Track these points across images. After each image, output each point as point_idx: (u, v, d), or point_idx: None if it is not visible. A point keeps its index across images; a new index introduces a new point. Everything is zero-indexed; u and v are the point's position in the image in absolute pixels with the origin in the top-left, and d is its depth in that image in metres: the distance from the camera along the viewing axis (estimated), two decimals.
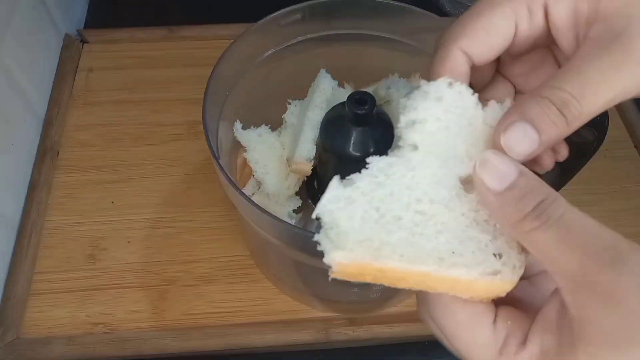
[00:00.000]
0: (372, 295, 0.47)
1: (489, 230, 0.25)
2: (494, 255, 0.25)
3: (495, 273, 0.24)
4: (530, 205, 0.22)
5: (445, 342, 0.27)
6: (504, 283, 0.24)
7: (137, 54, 0.71)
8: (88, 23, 0.77)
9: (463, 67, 0.28)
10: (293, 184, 0.48)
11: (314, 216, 0.25)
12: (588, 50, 0.25)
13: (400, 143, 0.27)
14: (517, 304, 0.26)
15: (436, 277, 0.24)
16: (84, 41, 0.72)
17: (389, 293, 0.49)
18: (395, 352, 0.51)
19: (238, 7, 0.79)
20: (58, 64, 0.68)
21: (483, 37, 0.27)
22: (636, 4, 0.25)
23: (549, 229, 0.22)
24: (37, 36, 0.64)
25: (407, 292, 0.51)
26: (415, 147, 0.27)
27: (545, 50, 0.31)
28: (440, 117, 0.27)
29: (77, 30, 0.73)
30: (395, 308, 0.52)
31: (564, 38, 0.27)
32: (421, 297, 0.27)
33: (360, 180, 0.26)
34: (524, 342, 0.24)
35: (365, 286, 0.44)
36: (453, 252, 0.25)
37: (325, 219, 0.25)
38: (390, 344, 0.51)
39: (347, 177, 0.26)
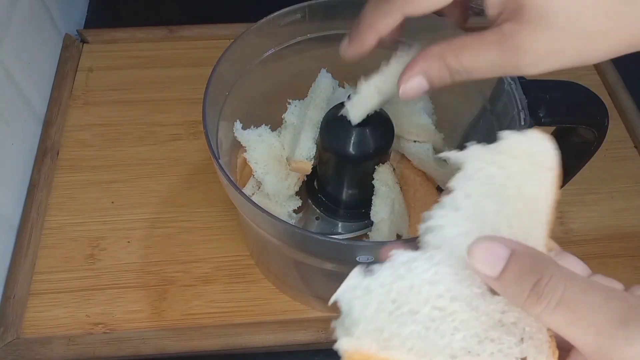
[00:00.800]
0: None
1: (516, 333, 0.24)
2: (516, 359, 0.24)
3: None
4: (527, 288, 0.22)
5: None
6: None
7: (137, 54, 0.71)
8: (88, 23, 0.77)
9: (397, 23, 0.33)
10: (293, 184, 0.48)
11: (331, 300, 0.26)
12: (490, 38, 0.30)
13: (421, 244, 0.27)
14: None
15: None
16: (84, 41, 0.72)
17: None
18: None
19: (238, 7, 0.79)
20: (58, 64, 0.68)
21: (429, 3, 0.31)
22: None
23: (553, 312, 0.22)
24: (37, 36, 0.64)
25: None
26: (437, 247, 0.26)
27: None
28: (458, 224, 0.26)
29: (77, 30, 0.73)
30: None
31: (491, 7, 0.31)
32: None
33: (381, 271, 0.25)
34: None
35: None
36: (469, 352, 0.24)
37: (342, 306, 0.26)
38: None
39: (368, 268, 0.26)
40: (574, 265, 0.25)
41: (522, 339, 0.24)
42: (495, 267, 0.23)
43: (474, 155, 0.27)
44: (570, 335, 0.22)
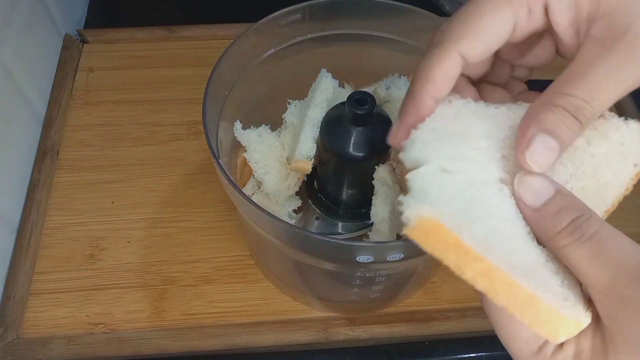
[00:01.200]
0: (372, 295, 0.47)
1: (557, 279, 0.25)
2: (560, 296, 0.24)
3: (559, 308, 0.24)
4: (565, 221, 0.23)
5: (489, 318, 0.28)
6: (564, 321, 0.23)
7: (137, 54, 0.71)
8: (88, 23, 0.77)
9: (456, 71, 0.27)
10: (293, 183, 0.48)
11: (407, 176, 0.25)
12: (592, 50, 0.25)
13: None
14: None
15: (502, 277, 0.23)
16: (84, 41, 0.72)
17: (389, 293, 0.49)
18: (395, 352, 0.51)
19: (238, 7, 0.79)
20: (58, 64, 0.68)
21: (482, 39, 0.27)
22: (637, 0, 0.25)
23: (582, 244, 0.23)
24: (37, 36, 0.64)
25: (407, 293, 0.51)
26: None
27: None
28: None
29: (77, 31, 0.73)
30: (395, 308, 0.52)
31: (566, 34, 0.27)
32: None
33: (458, 176, 0.26)
34: (561, 344, 0.25)
35: (366, 286, 0.44)
36: (528, 267, 0.24)
37: (415, 184, 0.25)
38: (390, 344, 0.51)
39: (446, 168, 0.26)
40: None
41: (562, 282, 0.25)
42: (539, 199, 0.24)
43: None
44: (590, 269, 0.23)
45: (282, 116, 0.49)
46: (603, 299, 0.23)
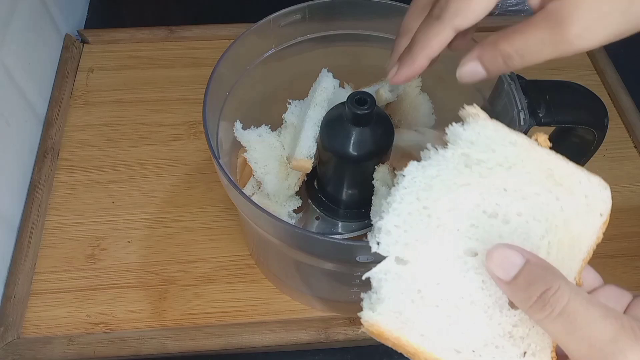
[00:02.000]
0: None
1: (521, 346, 0.27)
2: None
3: None
4: (534, 295, 0.24)
5: None
6: None
7: (137, 54, 0.71)
8: (88, 23, 0.77)
9: (449, 40, 0.33)
10: (293, 183, 0.48)
11: (364, 277, 0.28)
12: (536, 18, 0.30)
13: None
14: None
15: None
16: (84, 41, 0.72)
17: None
18: (395, 352, 0.51)
19: (238, 7, 0.79)
20: (58, 64, 0.68)
21: (473, 15, 0.32)
22: None
23: (554, 321, 0.24)
24: (37, 36, 0.64)
25: None
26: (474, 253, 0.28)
27: None
28: (503, 236, 0.28)
29: (77, 31, 0.73)
30: None
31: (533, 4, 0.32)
32: None
33: (414, 263, 0.27)
34: None
35: (366, 286, 0.44)
36: (473, 351, 0.26)
37: (373, 283, 0.28)
38: None
39: (402, 258, 0.28)
40: (585, 273, 0.29)
41: (524, 353, 0.26)
42: (509, 272, 0.25)
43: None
44: (566, 344, 0.24)
45: (282, 116, 0.49)
46: None
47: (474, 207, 0.28)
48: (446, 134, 0.29)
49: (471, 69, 0.32)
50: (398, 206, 0.28)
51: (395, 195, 0.28)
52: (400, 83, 0.36)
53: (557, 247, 0.28)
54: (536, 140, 0.29)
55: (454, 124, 0.29)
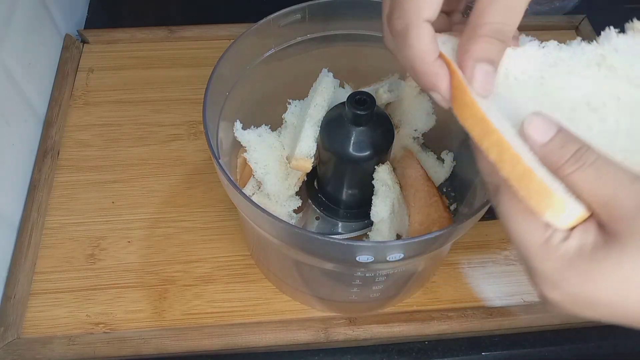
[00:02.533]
0: (372, 295, 0.47)
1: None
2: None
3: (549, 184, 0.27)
4: (568, 153, 0.27)
5: (500, 217, 0.30)
6: (552, 197, 0.26)
7: (137, 54, 0.71)
8: (88, 23, 0.77)
9: (434, 35, 0.31)
10: (293, 183, 0.48)
11: None
12: None
13: None
14: None
15: (508, 149, 0.27)
16: (84, 41, 0.72)
17: (389, 293, 0.49)
18: (395, 352, 0.51)
19: (238, 7, 0.79)
20: (58, 64, 0.68)
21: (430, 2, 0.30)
22: None
23: (585, 170, 0.26)
24: (37, 36, 0.64)
25: (407, 292, 0.51)
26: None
27: None
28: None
29: (77, 31, 0.73)
30: (395, 308, 0.52)
31: None
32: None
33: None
34: (567, 237, 0.27)
35: (366, 286, 0.44)
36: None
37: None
38: (389, 343, 0.51)
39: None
40: None
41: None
42: (546, 134, 0.27)
43: None
44: (594, 187, 0.26)
45: (282, 116, 0.49)
46: (607, 209, 0.26)
47: (582, 97, 0.30)
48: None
49: (483, 74, 0.30)
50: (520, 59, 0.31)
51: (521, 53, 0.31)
52: (448, 97, 0.31)
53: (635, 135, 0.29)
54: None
55: (611, 28, 0.32)
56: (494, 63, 0.30)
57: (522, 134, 0.28)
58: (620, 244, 0.25)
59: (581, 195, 0.26)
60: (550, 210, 0.26)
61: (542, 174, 0.26)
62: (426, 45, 0.30)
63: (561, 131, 0.28)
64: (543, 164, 0.28)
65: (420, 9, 0.30)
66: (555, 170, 0.27)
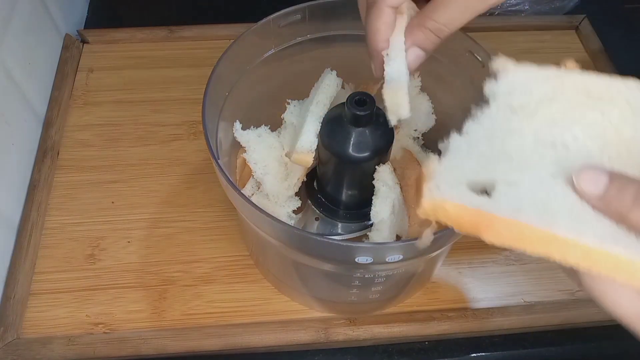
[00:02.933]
0: (371, 296, 0.47)
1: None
2: None
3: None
4: (629, 197, 0.26)
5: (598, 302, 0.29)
6: None
7: (137, 54, 0.71)
8: (88, 23, 0.77)
9: (392, 19, 0.36)
10: (292, 184, 0.48)
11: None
12: None
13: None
14: None
15: (599, 252, 0.25)
16: (84, 41, 0.72)
17: (389, 294, 0.49)
18: (395, 352, 0.51)
19: (238, 7, 0.79)
20: (58, 64, 0.68)
21: None
22: None
23: None
24: (37, 36, 0.64)
25: (407, 294, 0.51)
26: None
27: None
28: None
29: (77, 31, 0.73)
30: (395, 308, 0.52)
31: None
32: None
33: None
34: None
35: (365, 287, 0.44)
36: (608, 236, 0.26)
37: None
38: (390, 343, 0.51)
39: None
40: None
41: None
42: (599, 185, 0.27)
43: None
44: None
45: (282, 116, 0.49)
46: None
47: (534, 143, 0.30)
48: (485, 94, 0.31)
49: (414, 55, 0.36)
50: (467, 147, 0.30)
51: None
52: (380, 76, 0.37)
53: (617, 159, 0.29)
54: (565, 66, 0.31)
55: (488, 81, 0.31)
56: (426, 51, 0.36)
57: (576, 190, 0.27)
58: None
59: None
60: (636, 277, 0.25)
61: (614, 249, 0.25)
62: (381, 26, 0.36)
63: (613, 176, 0.27)
64: (607, 217, 0.27)
65: None
66: (622, 221, 0.26)
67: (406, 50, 0.36)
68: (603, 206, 0.27)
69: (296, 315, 0.52)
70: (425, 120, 0.52)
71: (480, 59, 0.45)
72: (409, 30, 0.36)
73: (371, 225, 0.46)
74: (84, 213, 0.57)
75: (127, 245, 0.55)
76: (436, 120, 0.53)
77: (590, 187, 0.27)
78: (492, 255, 0.56)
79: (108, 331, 0.50)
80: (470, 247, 0.56)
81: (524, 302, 0.53)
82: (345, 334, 0.51)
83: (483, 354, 0.51)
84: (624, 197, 0.26)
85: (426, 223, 0.43)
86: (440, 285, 0.54)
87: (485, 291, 0.54)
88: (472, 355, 0.51)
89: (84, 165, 0.61)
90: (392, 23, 0.36)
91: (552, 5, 0.78)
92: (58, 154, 0.61)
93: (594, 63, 0.72)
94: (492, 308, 0.52)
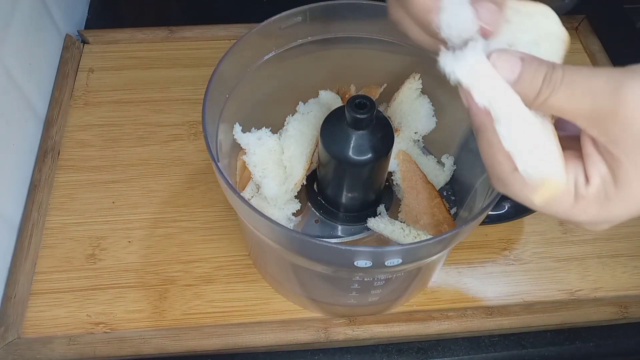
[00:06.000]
0: (370, 299, 0.47)
1: None
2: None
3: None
4: (539, 81, 0.27)
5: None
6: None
7: (137, 54, 0.71)
8: (89, 23, 0.77)
9: None
10: (291, 188, 0.48)
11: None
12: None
13: None
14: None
15: None
16: (84, 42, 0.72)
17: (388, 297, 0.49)
18: (395, 352, 0.51)
19: (238, 7, 0.79)
20: (59, 64, 0.68)
21: None
22: None
23: (558, 91, 0.27)
24: (37, 36, 0.64)
25: (407, 297, 0.51)
26: None
27: None
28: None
29: (77, 31, 0.73)
30: (395, 308, 0.52)
31: None
32: None
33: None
34: (587, 179, 0.28)
35: (364, 290, 0.44)
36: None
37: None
38: (389, 343, 0.51)
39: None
40: None
41: None
42: (514, 70, 0.28)
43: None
44: (571, 106, 0.27)
45: (286, 120, 0.49)
46: (591, 122, 0.27)
47: None
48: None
49: (488, 12, 0.31)
50: None
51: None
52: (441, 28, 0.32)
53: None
54: None
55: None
56: (498, 4, 0.31)
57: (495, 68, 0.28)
58: (627, 157, 0.26)
59: (565, 116, 0.28)
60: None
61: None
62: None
63: (526, 61, 0.28)
64: (524, 101, 0.28)
65: None
66: (534, 103, 0.28)
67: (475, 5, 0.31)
68: (520, 90, 0.28)
69: (296, 315, 0.52)
70: (426, 122, 0.52)
71: None
72: None
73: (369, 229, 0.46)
74: (85, 213, 0.57)
75: (127, 245, 0.55)
76: (436, 123, 0.53)
77: (506, 74, 0.28)
78: (491, 255, 0.56)
79: (108, 331, 0.51)
80: (469, 247, 0.56)
81: (524, 301, 0.53)
82: (345, 333, 0.51)
83: (482, 354, 0.51)
84: (535, 81, 0.27)
85: (432, 223, 0.43)
86: (440, 285, 0.54)
87: (485, 291, 0.54)
88: (472, 355, 0.51)
89: (85, 166, 0.61)
90: None
91: (552, 5, 0.78)
92: (59, 154, 0.61)
93: (593, 63, 0.72)
94: (491, 308, 0.52)
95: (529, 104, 0.28)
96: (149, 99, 0.67)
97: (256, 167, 0.48)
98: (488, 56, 0.28)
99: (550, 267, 0.55)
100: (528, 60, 0.28)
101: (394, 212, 0.51)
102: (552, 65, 0.27)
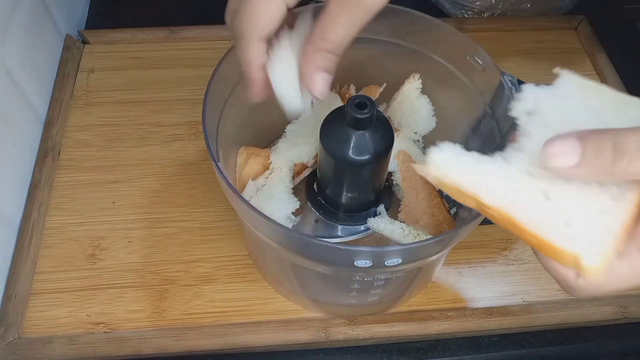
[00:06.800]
0: (370, 299, 0.47)
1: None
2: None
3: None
4: (608, 154, 0.24)
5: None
6: (563, 254, 0.27)
7: (138, 54, 0.71)
8: (89, 24, 0.77)
9: (263, 51, 0.36)
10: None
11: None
12: (336, 7, 0.34)
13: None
14: None
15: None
16: (85, 42, 0.72)
17: (388, 297, 0.49)
18: (395, 352, 0.51)
19: None
20: (59, 64, 0.69)
21: (268, 19, 0.34)
22: None
23: (636, 160, 0.24)
24: (38, 37, 0.64)
25: (408, 296, 0.51)
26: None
27: None
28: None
29: (78, 31, 0.73)
30: (395, 307, 0.52)
31: None
32: None
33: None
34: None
35: (364, 290, 0.44)
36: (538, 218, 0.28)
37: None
38: (389, 343, 0.51)
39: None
40: None
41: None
42: (574, 154, 0.24)
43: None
44: None
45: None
46: None
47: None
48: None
49: (321, 81, 0.35)
50: None
51: None
52: (255, 97, 0.39)
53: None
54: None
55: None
56: (331, 72, 0.35)
57: (549, 169, 0.26)
58: None
59: None
60: (568, 264, 0.27)
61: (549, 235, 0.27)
62: (252, 57, 0.36)
63: (583, 138, 0.24)
64: (596, 182, 0.26)
65: (256, 27, 0.35)
66: (608, 178, 0.25)
67: (313, 78, 0.35)
68: (585, 173, 0.25)
69: (296, 314, 0.52)
70: (426, 122, 0.52)
71: (480, 62, 0.45)
72: (308, 57, 0.35)
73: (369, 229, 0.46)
74: (85, 213, 0.57)
75: (127, 245, 0.55)
76: (437, 123, 0.53)
77: (564, 160, 0.25)
78: (491, 255, 0.56)
79: (108, 331, 0.51)
80: (469, 247, 0.56)
81: (523, 301, 0.53)
82: (345, 333, 0.51)
83: (482, 354, 0.51)
84: (604, 156, 0.24)
85: (432, 223, 0.43)
86: (440, 284, 0.54)
87: (485, 291, 0.54)
88: (472, 355, 0.51)
89: (85, 166, 0.61)
90: (264, 52, 0.36)
91: (552, 5, 0.78)
92: (59, 154, 0.61)
93: (593, 63, 0.72)
94: (491, 308, 0.52)
95: (606, 180, 0.26)
96: (150, 99, 0.67)
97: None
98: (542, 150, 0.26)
99: None
100: (586, 134, 0.25)
101: (394, 212, 0.51)
102: (614, 133, 0.25)
